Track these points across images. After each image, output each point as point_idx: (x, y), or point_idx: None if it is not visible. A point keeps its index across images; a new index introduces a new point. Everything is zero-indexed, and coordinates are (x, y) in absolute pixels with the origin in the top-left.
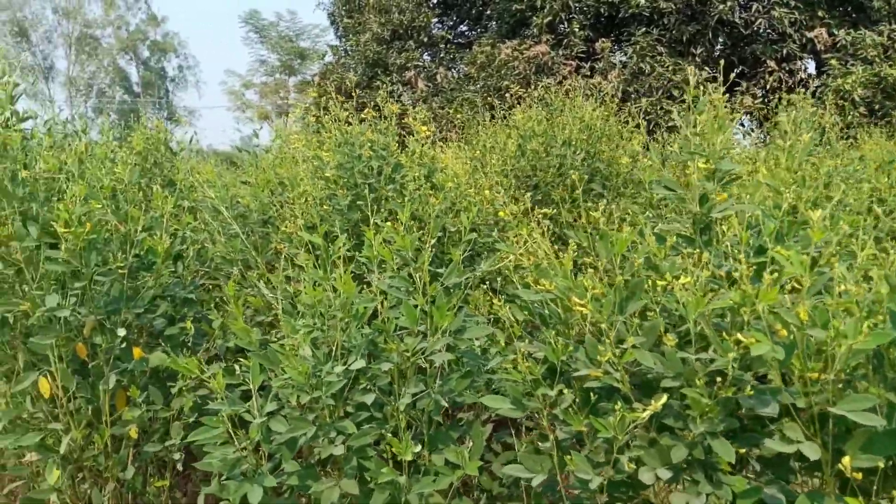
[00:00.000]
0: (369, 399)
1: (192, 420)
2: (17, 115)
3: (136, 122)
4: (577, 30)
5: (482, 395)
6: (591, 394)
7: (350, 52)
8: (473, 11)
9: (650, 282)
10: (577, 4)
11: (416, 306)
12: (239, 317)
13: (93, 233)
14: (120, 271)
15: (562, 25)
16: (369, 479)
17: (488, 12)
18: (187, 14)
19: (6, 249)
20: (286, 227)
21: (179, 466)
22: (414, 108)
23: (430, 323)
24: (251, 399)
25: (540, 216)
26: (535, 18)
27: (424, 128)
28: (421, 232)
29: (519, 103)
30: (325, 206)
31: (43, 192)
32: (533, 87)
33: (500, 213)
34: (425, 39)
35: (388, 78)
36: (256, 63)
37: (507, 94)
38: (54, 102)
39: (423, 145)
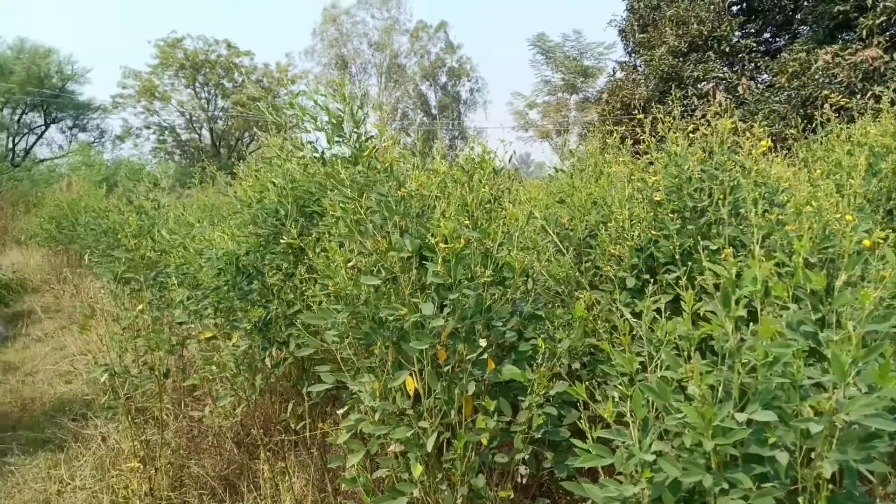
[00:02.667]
0: (783, 458)
1: (538, 435)
2: (392, 141)
3: (433, 141)
4: None
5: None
6: None
7: (640, 68)
8: (780, 17)
9: None
10: None
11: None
12: (626, 342)
13: (464, 248)
14: (484, 284)
15: None
16: None
17: (799, 16)
18: (478, 38)
19: (384, 259)
20: (614, 248)
21: (521, 480)
22: (710, 123)
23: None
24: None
25: None
26: (862, 20)
27: (764, 143)
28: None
29: (840, 114)
30: (651, 231)
31: (416, 209)
32: (859, 96)
33: (865, 242)
34: (726, 49)
35: (682, 91)
36: (541, 83)
37: (825, 105)
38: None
39: (757, 162)
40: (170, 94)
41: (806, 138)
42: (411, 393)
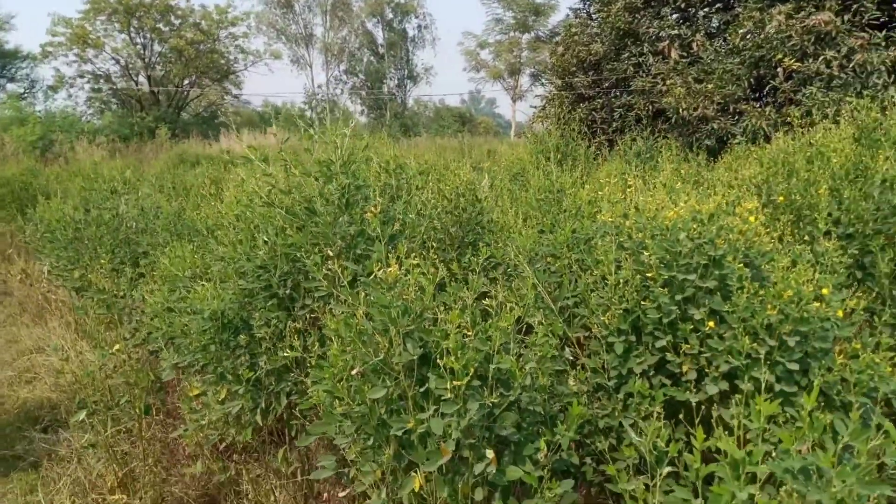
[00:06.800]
0: None
1: None
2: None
3: (382, 82)
4: None
5: None
6: None
7: (595, 19)
8: None
9: None
10: None
11: None
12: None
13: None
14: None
15: None
16: None
17: None
18: None
19: (388, 361)
20: (604, 316)
21: None
22: (665, 81)
23: None
24: None
25: None
26: None
27: (753, 219)
28: None
29: (791, 78)
30: (641, 299)
31: (416, 310)
32: (811, 59)
33: (838, 313)
34: (682, 5)
35: (639, 48)
36: (492, 22)
37: (778, 69)
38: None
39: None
40: (103, 40)
41: (757, 100)
42: (417, 489)
